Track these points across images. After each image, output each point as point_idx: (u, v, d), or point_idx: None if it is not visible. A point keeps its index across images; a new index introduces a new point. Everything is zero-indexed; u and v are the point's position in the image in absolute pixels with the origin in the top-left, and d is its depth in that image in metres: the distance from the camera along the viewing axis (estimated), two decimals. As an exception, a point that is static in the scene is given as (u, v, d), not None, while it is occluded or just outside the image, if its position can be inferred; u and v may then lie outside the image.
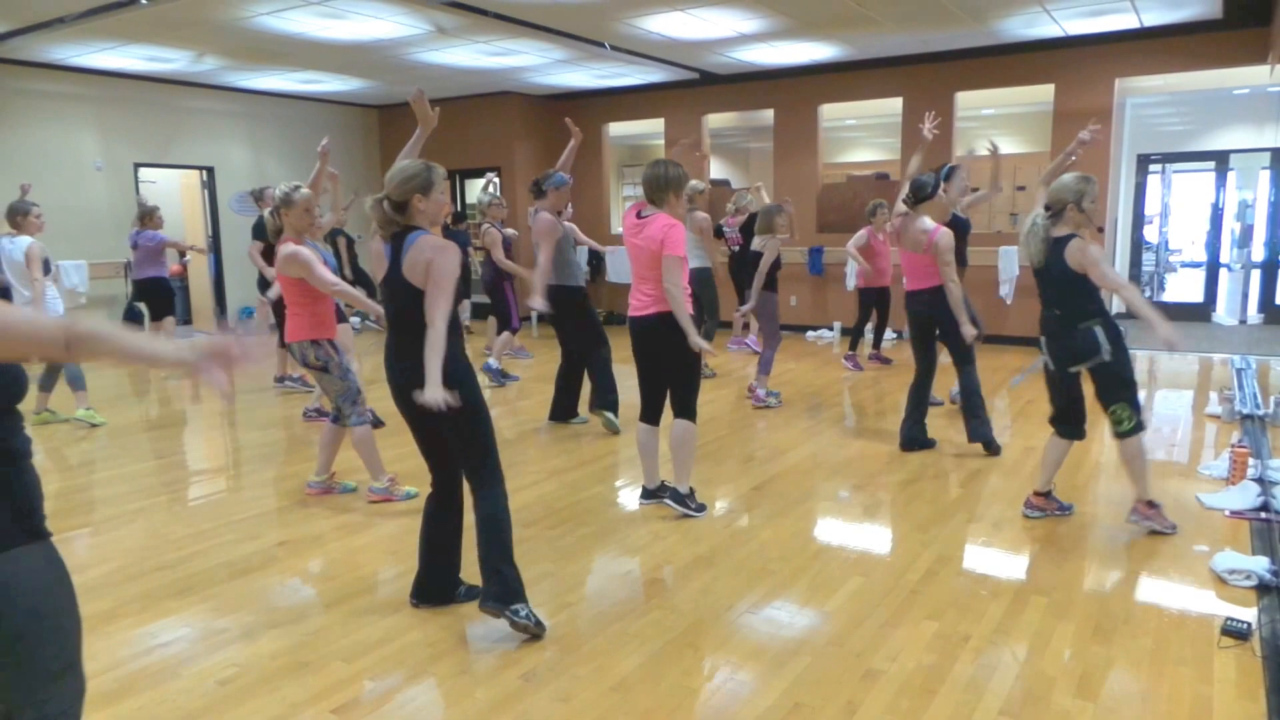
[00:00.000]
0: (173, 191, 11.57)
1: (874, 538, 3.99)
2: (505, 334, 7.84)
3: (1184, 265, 14.94)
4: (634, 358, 4.23)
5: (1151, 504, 3.92)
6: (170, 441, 6.04)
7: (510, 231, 7.76)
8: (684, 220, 4.12)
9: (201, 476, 5.25)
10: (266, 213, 4.44)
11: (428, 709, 2.61)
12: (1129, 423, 3.81)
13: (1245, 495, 4.21)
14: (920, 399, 5.30)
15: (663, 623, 3.12)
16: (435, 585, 3.27)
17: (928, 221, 5.04)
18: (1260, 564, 3.36)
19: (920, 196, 5.09)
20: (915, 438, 5.29)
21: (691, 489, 4.27)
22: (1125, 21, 7.96)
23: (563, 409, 6.11)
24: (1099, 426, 5.98)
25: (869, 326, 8.40)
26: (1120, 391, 3.81)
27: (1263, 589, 3.26)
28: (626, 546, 3.88)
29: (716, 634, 3.04)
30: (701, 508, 4.25)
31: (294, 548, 3.90)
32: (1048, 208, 3.85)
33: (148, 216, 8.90)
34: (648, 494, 4.41)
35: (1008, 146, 13.04)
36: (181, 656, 2.93)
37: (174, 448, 5.88)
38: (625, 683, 2.73)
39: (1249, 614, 3.08)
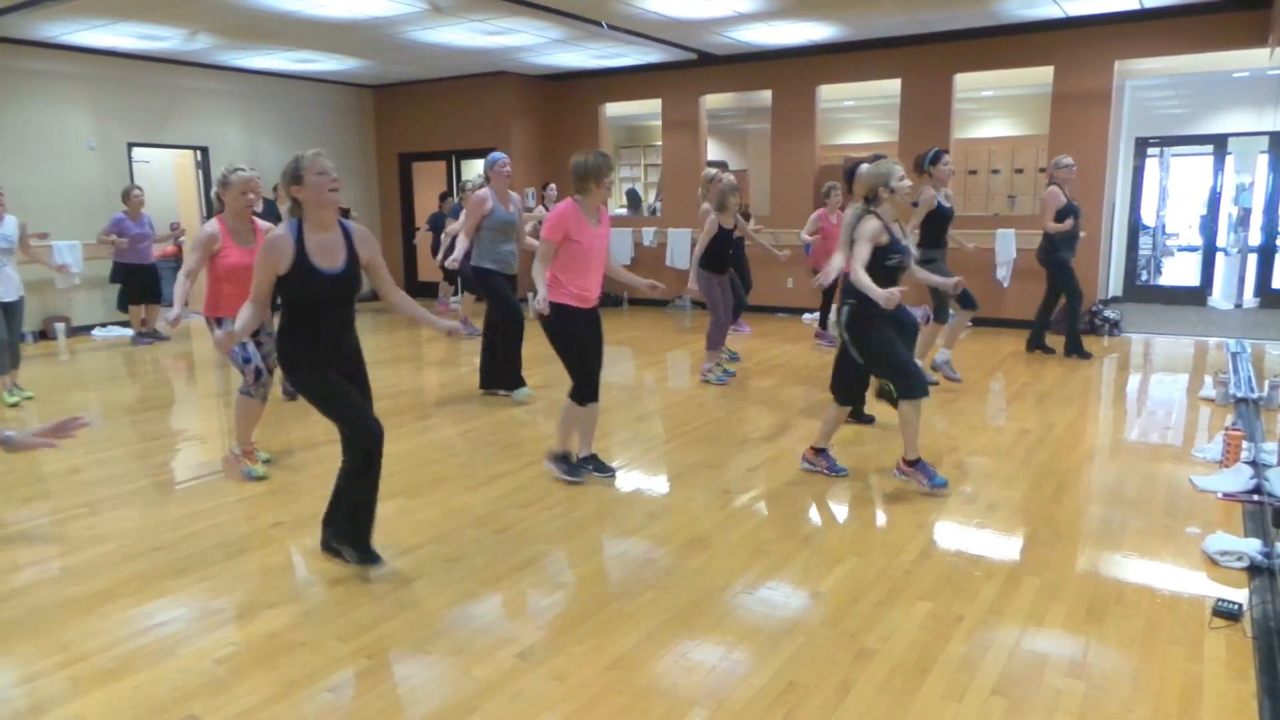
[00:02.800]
0: (166, 171, 11.51)
1: (868, 518, 4.01)
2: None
3: (1181, 249, 14.94)
4: (588, 343, 4.35)
5: (912, 463, 4.30)
6: (164, 422, 6.03)
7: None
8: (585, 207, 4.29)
9: (196, 457, 5.25)
10: (213, 193, 4.66)
11: (424, 687, 2.63)
12: (894, 391, 4.21)
13: (1238, 478, 4.23)
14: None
15: (658, 603, 3.14)
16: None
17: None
18: (1252, 546, 3.38)
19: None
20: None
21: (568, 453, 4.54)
22: (1125, 2, 7.92)
23: (489, 377, 6.47)
24: (1086, 413, 6.00)
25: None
26: (878, 367, 4.22)
27: (1254, 570, 3.28)
28: (622, 527, 3.89)
29: (712, 614, 3.06)
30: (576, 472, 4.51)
31: (289, 529, 3.91)
32: (865, 199, 4.13)
33: (124, 197, 8.84)
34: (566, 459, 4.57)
35: (1006, 129, 13.02)
36: (179, 635, 2.94)
37: (168, 428, 5.87)
38: (621, 661, 2.75)
39: (1240, 595, 3.11)
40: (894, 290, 3.91)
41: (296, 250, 3.17)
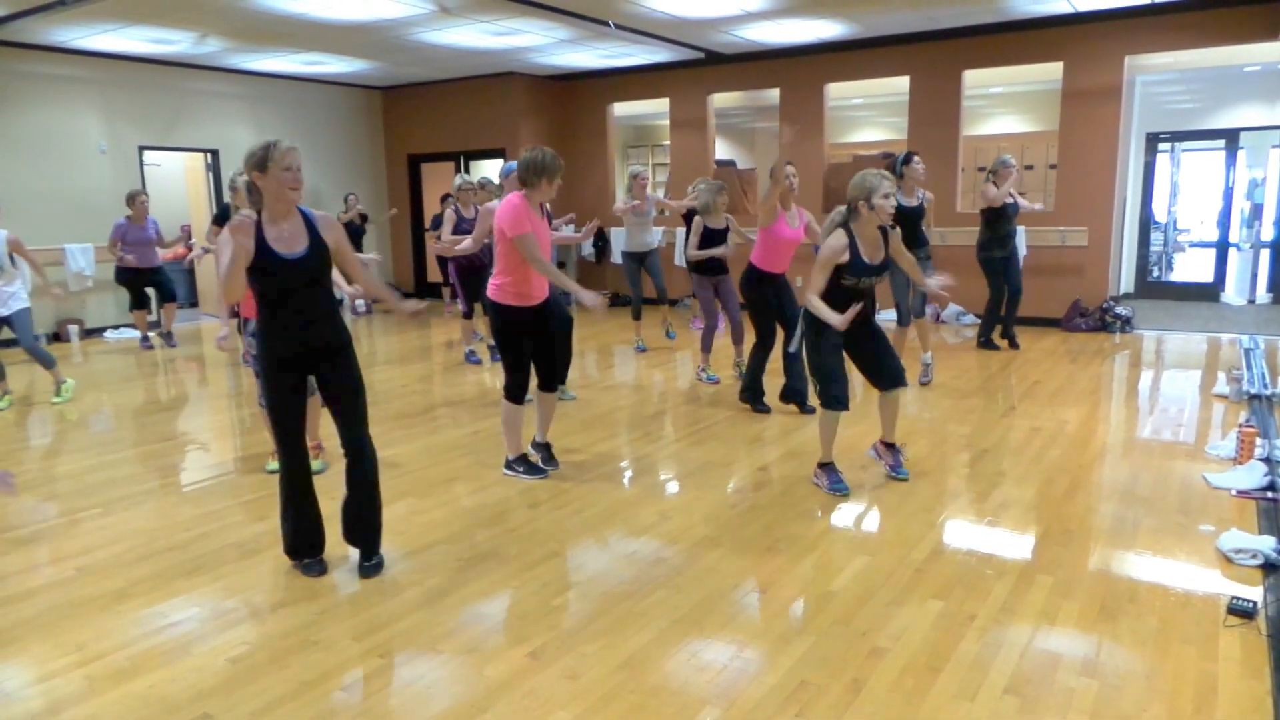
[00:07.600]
0: (177, 174, 11.58)
1: (879, 517, 4.00)
2: (464, 322, 7.81)
3: (1193, 245, 14.85)
4: (538, 340, 4.40)
5: (822, 465, 4.36)
6: (178, 423, 6.07)
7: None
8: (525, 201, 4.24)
9: (209, 457, 5.27)
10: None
11: (436, 686, 2.63)
12: (816, 397, 4.27)
13: (1252, 475, 4.20)
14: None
15: (669, 602, 3.14)
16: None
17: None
18: (1267, 543, 3.36)
19: None
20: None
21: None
22: (1135, -3, 7.88)
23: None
24: (1098, 410, 5.97)
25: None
26: (811, 366, 4.28)
27: (1269, 568, 3.26)
28: (632, 527, 3.89)
29: (722, 613, 3.06)
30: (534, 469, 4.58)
31: (302, 528, 3.92)
32: (847, 204, 4.11)
33: (128, 201, 8.88)
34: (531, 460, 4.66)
35: (1016, 125, 12.95)
36: (192, 635, 2.96)
37: (181, 429, 5.90)
38: (632, 661, 2.75)
39: (1255, 593, 3.09)
40: (847, 315, 3.95)
41: (257, 237, 3.08)
